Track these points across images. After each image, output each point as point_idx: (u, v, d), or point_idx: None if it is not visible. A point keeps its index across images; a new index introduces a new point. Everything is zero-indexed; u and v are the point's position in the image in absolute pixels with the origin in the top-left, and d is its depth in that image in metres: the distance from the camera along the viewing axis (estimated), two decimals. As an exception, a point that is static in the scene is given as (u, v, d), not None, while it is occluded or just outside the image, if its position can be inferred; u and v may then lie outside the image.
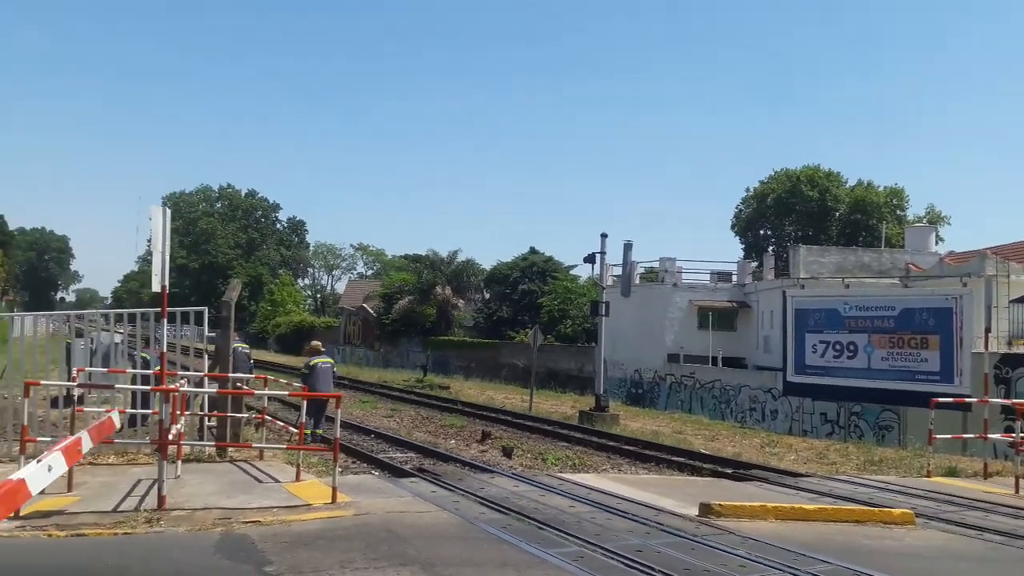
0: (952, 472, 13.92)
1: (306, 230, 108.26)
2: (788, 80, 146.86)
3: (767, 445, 19.61)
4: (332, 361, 16.18)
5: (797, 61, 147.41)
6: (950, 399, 15.96)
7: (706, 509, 9.28)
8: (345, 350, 64.76)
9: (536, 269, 56.93)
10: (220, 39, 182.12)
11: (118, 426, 6.06)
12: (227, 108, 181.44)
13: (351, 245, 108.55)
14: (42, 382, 10.49)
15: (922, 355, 21.27)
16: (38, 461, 4.60)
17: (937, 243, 44.93)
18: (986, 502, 10.90)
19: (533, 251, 60.25)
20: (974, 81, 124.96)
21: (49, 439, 10.96)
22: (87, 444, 5.49)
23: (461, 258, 60.96)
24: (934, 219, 59.57)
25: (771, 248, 52.29)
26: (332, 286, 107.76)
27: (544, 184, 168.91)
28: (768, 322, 36.23)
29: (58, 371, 13.90)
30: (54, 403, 13.12)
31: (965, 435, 16.75)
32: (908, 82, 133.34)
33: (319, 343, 17.37)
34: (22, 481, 4.12)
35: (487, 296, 61.33)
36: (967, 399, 16.31)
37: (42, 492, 4.67)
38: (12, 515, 4.66)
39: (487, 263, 64.04)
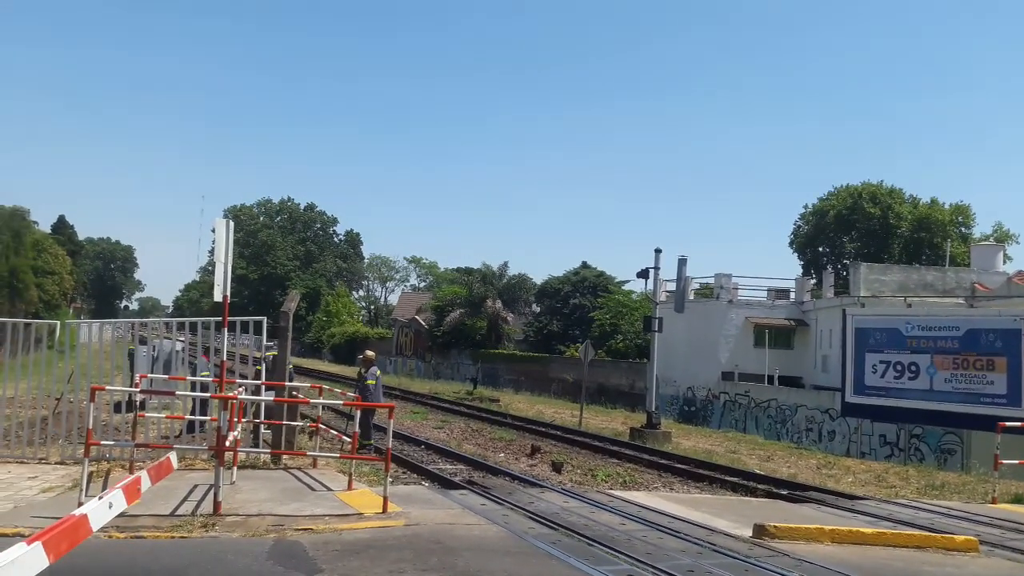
0: (1019, 499, 13.41)
1: (361, 243, 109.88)
2: (850, 95, 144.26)
3: (824, 466, 19.16)
4: (378, 374, 16.39)
5: (860, 76, 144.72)
6: (1018, 423, 15.40)
7: (760, 530, 9.10)
8: (397, 361, 65.36)
9: (588, 284, 56.74)
10: (283, 60, 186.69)
11: (175, 467, 6.29)
12: (289, 125, 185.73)
13: (405, 258, 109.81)
14: (107, 387, 10.81)
15: (988, 377, 20.59)
16: (100, 498, 4.81)
17: (1005, 262, 43.42)
18: (1056, 532, 10.46)
19: (585, 266, 60.10)
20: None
21: (112, 443, 11.32)
22: (146, 483, 5.74)
23: (512, 271, 61.21)
24: (1002, 237, 57.65)
25: (830, 266, 51.10)
26: (385, 298, 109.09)
27: (597, 199, 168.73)
28: (827, 341, 35.46)
29: (121, 377, 14.31)
30: (117, 408, 13.50)
31: (1033, 461, 16.10)
32: (975, 97, 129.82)
33: (373, 353, 17.60)
34: (84, 517, 4.35)
35: (538, 310, 61.33)
36: (1036, 424, 15.70)
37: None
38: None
39: (539, 277, 64.15)
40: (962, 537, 9.32)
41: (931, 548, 9.00)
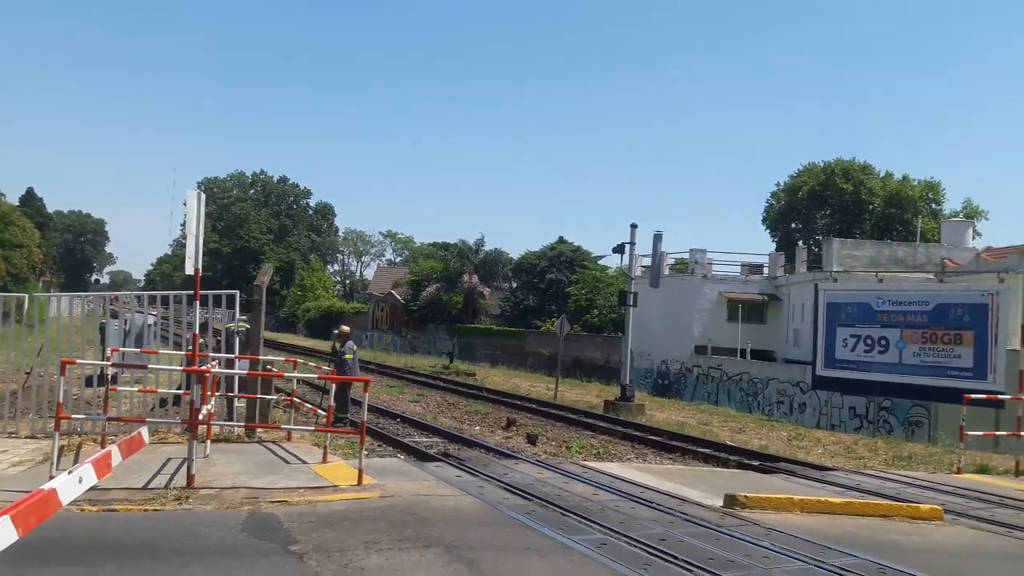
0: (983, 469, 13.72)
1: (335, 215, 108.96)
2: (824, 72, 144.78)
3: (794, 438, 19.46)
4: (354, 349, 16.34)
5: (832, 53, 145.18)
6: (983, 395, 15.72)
7: (731, 500, 9.24)
8: (373, 336, 65.22)
9: (564, 259, 56.81)
10: (252, 29, 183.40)
11: (147, 442, 6.24)
12: (261, 96, 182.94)
13: (380, 232, 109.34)
14: (77, 361, 10.69)
15: (955, 351, 20.93)
16: (70, 472, 4.76)
17: (974, 238, 44.00)
18: (1018, 500, 10.73)
19: (562, 240, 60.12)
20: (1013, 74, 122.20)
21: (83, 416, 11.22)
22: (116, 458, 5.67)
23: (488, 246, 61.11)
24: (971, 214, 58.34)
25: (803, 242, 51.49)
26: (361, 272, 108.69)
27: (574, 175, 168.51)
28: (799, 315, 35.87)
29: (93, 351, 14.15)
30: (88, 382, 13.37)
31: (997, 432, 16.47)
32: (946, 75, 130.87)
33: (348, 327, 17.52)
34: (53, 491, 4.31)
35: (514, 285, 61.37)
36: (1000, 396, 16.03)
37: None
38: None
39: (515, 252, 64.14)
40: (927, 506, 9.54)
41: (897, 517, 9.21)
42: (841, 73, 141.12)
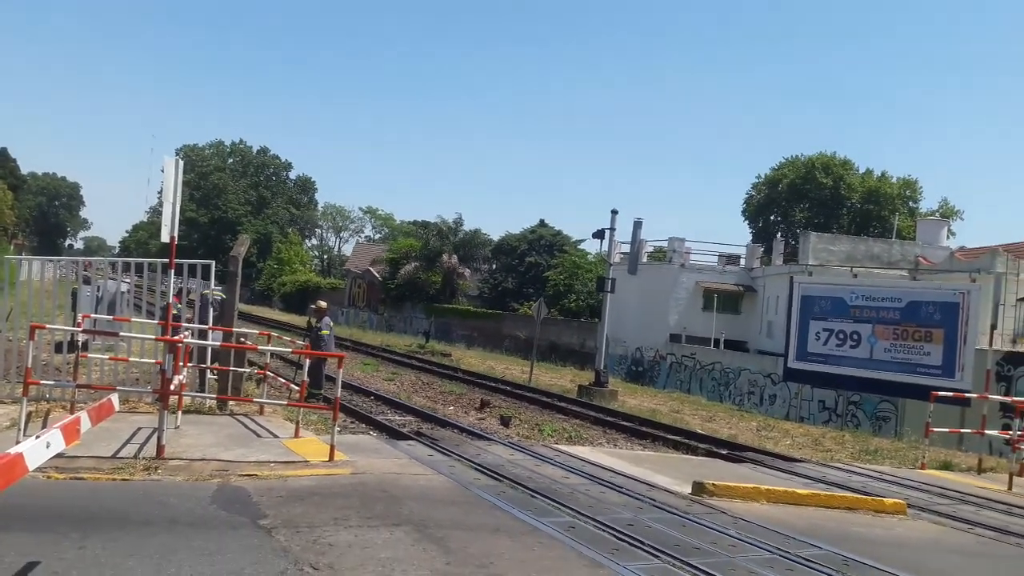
0: (947, 466, 13.97)
1: (315, 189, 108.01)
2: (805, 67, 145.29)
3: (763, 429, 19.69)
4: (331, 325, 16.27)
5: (816, 48, 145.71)
6: (950, 393, 15.97)
7: (699, 488, 9.34)
8: (349, 312, 64.95)
9: (544, 242, 56.83)
10: (239, 3, 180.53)
11: (117, 409, 6.16)
12: (242, 65, 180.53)
13: (360, 208, 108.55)
14: (47, 326, 10.55)
15: (925, 348, 21.26)
16: (37, 437, 4.67)
17: (949, 237, 44.57)
18: (979, 497, 10.95)
19: (542, 224, 60.11)
20: (994, 76, 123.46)
21: (52, 383, 11.08)
22: (86, 424, 5.58)
23: (468, 227, 60.95)
24: (947, 213, 59.05)
25: (781, 235, 51.88)
26: (339, 248, 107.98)
27: (557, 159, 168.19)
28: (773, 307, 36.18)
29: (63, 316, 13.97)
30: (58, 348, 13.21)
31: (962, 430, 16.77)
32: (928, 75, 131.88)
33: (325, 303, 17.43)
34: (20, 455, 4.21)
35: (493, 266, 61.33)
36: (967, 394, 16.31)
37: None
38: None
39: (496, 234, 63.97)
40: (891, 500, 9.71)
41: (862, 510, 9.36)
42: (825, 70, 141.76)
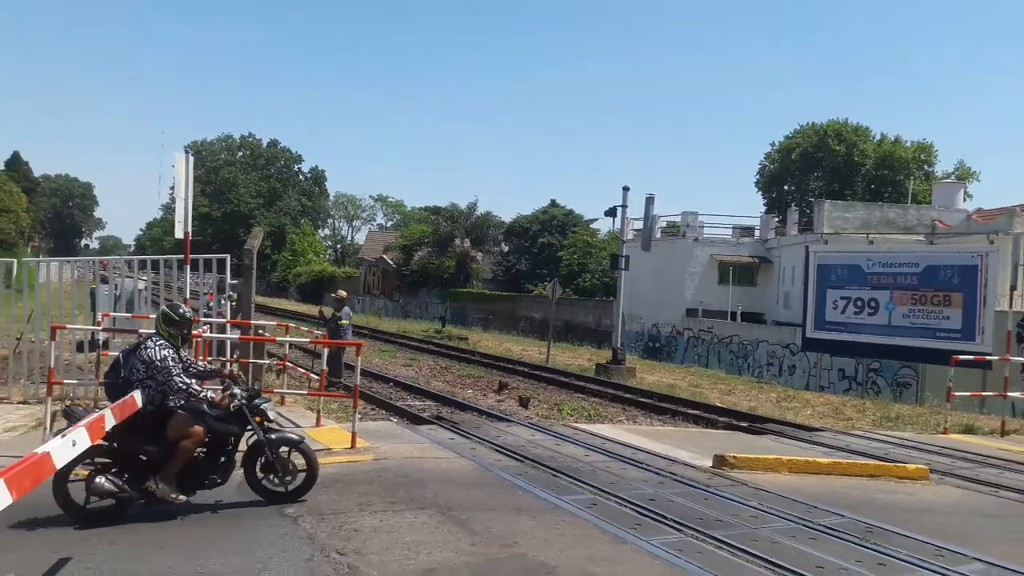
0: (969, 429, 13.91)
1: (326, 179, 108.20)
2: (815, 33, 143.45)
3: (783, 400, 19.65)
4: (350, 314, 16.38)
5: (824, 14, 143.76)
6: (970, 357, 15.86)
7: (720, 461, 9.36)
8: (365, 300, 65.20)
9: (556, 222, 56.70)
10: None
11: (140, 405, 6.25)
12: (250, 59, 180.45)
13: (371, 196, 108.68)
14: (68, 326, 10.66)
15: (944, 312, 21.05)
16: (63, 436, 4.74)
17: (965, 200, 44.01)
18: (1002, 459, 10.90)
19: (554, 204, 59.96)
20: (1007, 34, 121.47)
21: (75, 382, 11.22)
22: (110, 421, 5.66)
23: (480, 210, 60.85)
24: (963, 175, 58.35)
25: (795, 204, 51.48)
26: (352, 237, 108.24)
27: (566, 137, 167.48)
28: (789, 278, 35.98)
29: (83, 316, 14.12)
30: (79, 347, 13.35)
31: (984, 393, 16.68)
32: (939, 35, 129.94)
33: (344, 292, 17.56)
34: (47, 455, 4.28)
35: (506, 249, 61.28)
36: (988, 357, 16.19)
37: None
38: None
39: (507, 216, 63.90)
40: (913, 466, 9.68)
41: (884, 477, 9.34)
42: (836, 38, 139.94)
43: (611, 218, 27.61)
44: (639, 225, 34.59)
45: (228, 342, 12.50)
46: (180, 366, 6.67)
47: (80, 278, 15.93)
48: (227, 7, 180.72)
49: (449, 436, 10.56)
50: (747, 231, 42.08)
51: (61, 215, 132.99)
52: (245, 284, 12.88)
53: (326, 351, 11.89)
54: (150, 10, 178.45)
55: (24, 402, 11.81)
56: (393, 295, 63.92)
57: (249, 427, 6.77)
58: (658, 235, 39.21)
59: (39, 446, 4.45)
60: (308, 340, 15.88)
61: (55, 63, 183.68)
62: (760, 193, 66.15)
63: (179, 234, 9.73)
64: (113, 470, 6.28)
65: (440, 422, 12.34)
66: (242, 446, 6.89)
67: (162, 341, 6.69)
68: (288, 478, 6.90)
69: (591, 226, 55.43)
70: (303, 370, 14.98)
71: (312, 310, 43.72)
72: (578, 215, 57.70)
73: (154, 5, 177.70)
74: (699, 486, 8.23)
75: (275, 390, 11.85)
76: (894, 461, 10.11)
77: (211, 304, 13.45)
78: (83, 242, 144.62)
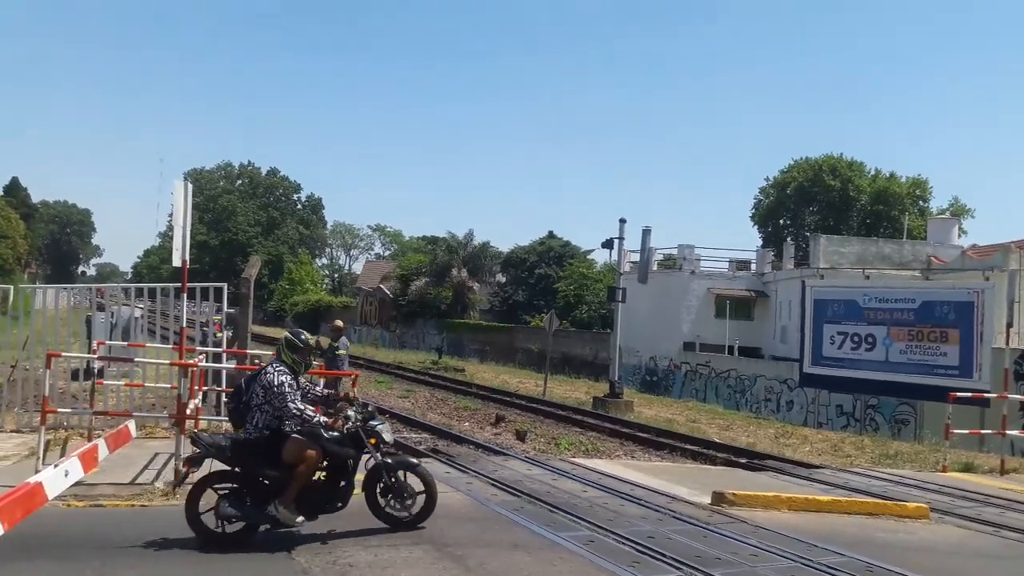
0: (968, 467, 13.81)
1: (323, 208, 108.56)
2: (811, 68, 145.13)
3: (782, 436, 19.55)
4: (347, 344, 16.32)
5: (818, 49, 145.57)
6: (968, 394, 15.81)
7: (719, 498, 9.27)
8: (361, 330, 65.04)
9: (553, 254, 56.83)
10: (244, 20, 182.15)
11: (134, 435, 6.26)
12: (249, 87, 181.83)
13: (369, 226, 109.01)
14: (63, 354, 10.60)
15: (941, 349, 21.07)
16: (56, 466, 4.71)
17: (960, 236, 44.38)
18: (1003, 499, 10.81)
19: (551, 235, 60.14)
20: (1002, 71, 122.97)
21: (69, 410, 11.13)
22: (103, 452, 5.63)
23: (477, 241, 61.00)
24: (958, 211, 58.69)
25: (791, 238, 51.77)
26: (350, 266, 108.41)
27: (563, 169, 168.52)
28: (786, 312, 36.01)
29: (79, 344, 14.05)
30: (75, 375, 13.28)
31: (983, 431, 16.61)
32: (935, 72, 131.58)
33: (341, 322, 17.50)
34: (39, 484, 4.25)
35: (503, 280, 61.34)
36: (986, 394, 16.15)
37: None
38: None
39: (505, 247, 64.04)
40: (913, 504, 9.60)
41: (884, 515, 9.26)
42: (831, 72, 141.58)
43: (608, 250, 27.70)
44: (636, 257, 34.69)
45: (224, 371, 12.42)
46: (297, 392, 6.77)
47: (76, 305, 15.88)
48: (226, 38, 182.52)
49: (445, 470, 10.47)
50: (743, 265, 42.22)
51: (59, 241, 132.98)
52: (242, 313, 12.85)
53: (322, 381, 11.82)
54: (151, 39, 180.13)
55: (17, 431, 11.69)
56: (390, 325, 63.79)
57: (366, 449, 6.78)
58: (655, 268, 39.28)
59: (31, 476, 4.41)
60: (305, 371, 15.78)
61: (55, 90, 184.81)
62: (756, 227, 66.52)
63: (176, 262, 9.68)
64: (238, 495, 6.42)
65: (436, 455, 12.25)
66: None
67: (282, 367, 6.82)
68: (409, 502, 6.98)
69: (588, 257, 55.63)
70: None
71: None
72: (575, 246, 57.91)
73: (155, 34, 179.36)
74: (698, 523, 8.15)
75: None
76: (894, 499, 10.03)
77: (219, 335, 13.40)
78: (80, 269, 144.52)
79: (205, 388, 11.84)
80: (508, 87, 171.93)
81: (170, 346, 12.43)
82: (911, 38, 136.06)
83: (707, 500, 9.33)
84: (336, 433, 6.66)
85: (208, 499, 6.44)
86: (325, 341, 17.12)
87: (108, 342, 13.02)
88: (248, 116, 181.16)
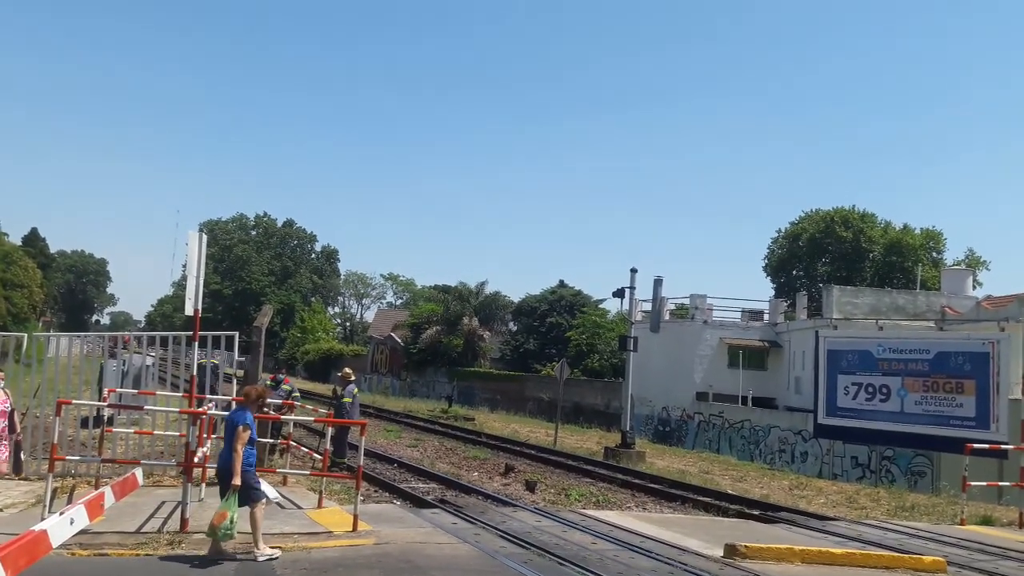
0: (987, 520, 13.54)
1: (338, 259, 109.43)
2: (823, 119, 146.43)
3: (796, 487, 19.24)
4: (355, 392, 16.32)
5: (832, 99, 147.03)
6: (986, 445, 15.57)
7: (731, 550, 9.11)
8: (372, 379, 64.94)
9: (564, 303, 56.85)
10: (261, 71, 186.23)
11: (141, 483, 6.21)
12: (264, 139, 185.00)
13: (381, 275, 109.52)
14: (73, 401, 10.63)
15: (957, 400, 20.83)
16: (61, 514, 4.69)
17: (975, 287, 44.08)
18: (1022, 552, 10.57)
19: (562, 284, 60.24)
20: (1016, 122, 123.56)
21: (77, 458, 11.12)
22: (109, 499, 5.61)
23: (489, 290, 61.18)
24: (973, 263, 58.41)
25: (803, 289, 51.53)
26: (362, 315, 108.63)
27: (575, 218, 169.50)
28: (800, 362, 35.74)
29: (90, 391, 14.10)
30: (84, 423, 13.30)
31: (1001, 483, 16.32)
32: (948, 123, 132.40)
33: (351, 370, 17.53)
34: (44, 532, 4.22)
35: (514, 328, 61.31)
36: (1003, 446, 15.90)
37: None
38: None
39: (516, 295, 64.19)
40: (930, 558, 9.39)
41: (900, 569, 9.06)
42: (844, 123, 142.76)
43: (619, 299, 27.65)
44: (647, 307, 34.64)
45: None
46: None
47: (89, 353, 15.97)
48: (244, 90, 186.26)
49: (453, 521, 10.36)
50: (756, 315, 42.03)
51: (74, 290, 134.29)
52: (252, 361, 12.89)
53: (330, 430, 11.80)
54: (170, 91, 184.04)
55: (26, 478, 11.69)
56: (400, 373, 63.68)
57: None
58: (667, 317, 39.22)
59: (36, 524, 4.39)
60: (313, 419, 15.79)
61: (76, 143, 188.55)
62: (769, 277, 66.38)
63: (189, 311, 9.78)
64: None
65: (444, 506, 12.11)
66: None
67: None
68: None
69: (600, 306, 55.56)
70: (307, 449, 14.83)
71: (319, 388, 43.54)
72: (586, 295, 57.93)
73: (174, 86, 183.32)
74: (709, 576, 8.00)
75: (278, 470, 11.71)
76: (910, 552, 9.82)
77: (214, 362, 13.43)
78: (95, 318, 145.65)
79: (215, 436, 11.82)
80: (522, 137, 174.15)
81: (180, 394, 12.46)
82: (922, 89, 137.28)
83: (719, 553, 9.17)
84: None
85: None
86: (338, 390, 17.15)
87: (119, 389, 13.04)
88: (264, 170, 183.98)
